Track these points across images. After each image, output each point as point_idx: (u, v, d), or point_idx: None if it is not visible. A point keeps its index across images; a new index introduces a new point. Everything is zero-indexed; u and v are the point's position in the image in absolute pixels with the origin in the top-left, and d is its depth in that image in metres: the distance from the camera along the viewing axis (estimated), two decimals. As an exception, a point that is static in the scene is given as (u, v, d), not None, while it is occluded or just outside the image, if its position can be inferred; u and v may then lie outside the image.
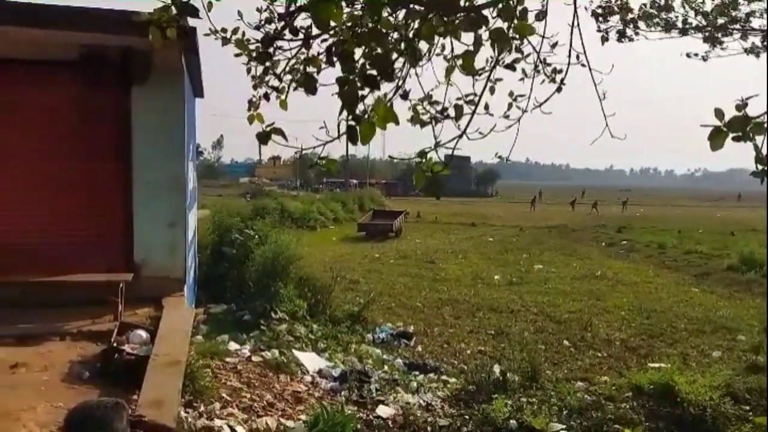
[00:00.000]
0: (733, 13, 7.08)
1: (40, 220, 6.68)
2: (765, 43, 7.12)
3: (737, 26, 7.18)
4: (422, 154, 2.33)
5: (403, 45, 2.47)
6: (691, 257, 20.64)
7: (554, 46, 3.31)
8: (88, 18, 5.96)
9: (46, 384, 4.68)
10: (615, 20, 6.96)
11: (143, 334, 5.41)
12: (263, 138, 2.44)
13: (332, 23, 2.07)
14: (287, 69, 2.92)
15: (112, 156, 6.82)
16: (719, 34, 7.19)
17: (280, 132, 2.42)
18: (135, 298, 6.34)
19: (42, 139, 6.65)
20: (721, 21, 7.03)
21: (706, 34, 7.27)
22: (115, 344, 5.10)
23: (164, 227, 6.94)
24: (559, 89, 3.40)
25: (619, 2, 6.52)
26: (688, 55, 7.86)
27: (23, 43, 6.34)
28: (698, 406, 6.28)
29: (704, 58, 7.61)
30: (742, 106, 1.88)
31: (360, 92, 2.27)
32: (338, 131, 2.30)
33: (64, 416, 1.95)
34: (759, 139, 1.87)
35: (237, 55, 2.87)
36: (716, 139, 1.83)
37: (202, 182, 14.49)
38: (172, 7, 2.34)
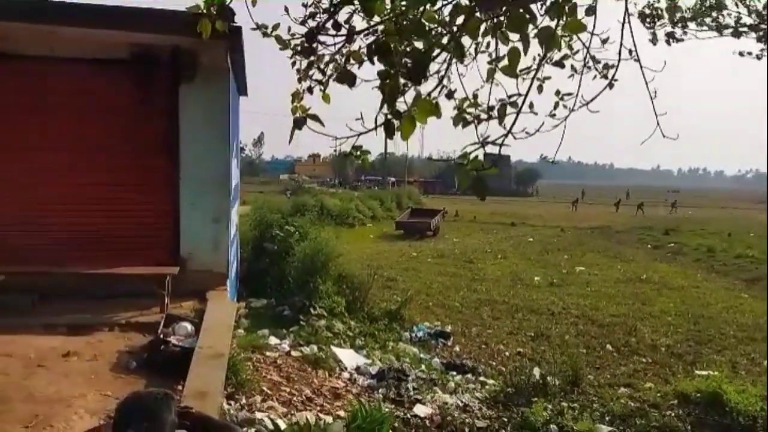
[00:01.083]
0: None
1: (93, 213, 6.94)
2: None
3: None
4: (465, 154, 2.29)
5: (446, 40, 2.44)
6: (741, 261, 19.83)
7: (605, 42, 3.21)
8: (139, 17, 6.16)
9: (95, 372, 4.87)
10: (666, 22, 6.74)
11: (188, 326, 5.56)
12: (300, 123, 2.46)
13: (376, 15, 2.06)
14: (330, 63, 2.94)
15: (161, 152, 7.02)
16: None
17: (316, 118, 2.43)
18: (180, 291, 6.52)
19: (95, 135, 6.90)
20: None
21: (761, 33, 6.96)
22: (161, 336, 5.26)
23: (209, 223, 7.11)
24: (610, 86, 3.30)
25: (667, 4, 6.32)
26: (741, 54, 7.57)
27: (78, 42, 6.60)
28: (748, 416, 6.04)
29: (758, 57, 7.31)
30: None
31: (401, 87, 2.25)
32: (375, 123, 2.29)
33: (116, 405, 2.00)
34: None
35: (281, 49, 2.90)
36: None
37: (243, 179, 14.77)
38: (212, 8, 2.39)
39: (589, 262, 20.19)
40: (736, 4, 6.77)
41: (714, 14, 6.86)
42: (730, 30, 6.89)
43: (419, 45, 2.32)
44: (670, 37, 6.77)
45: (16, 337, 5.38)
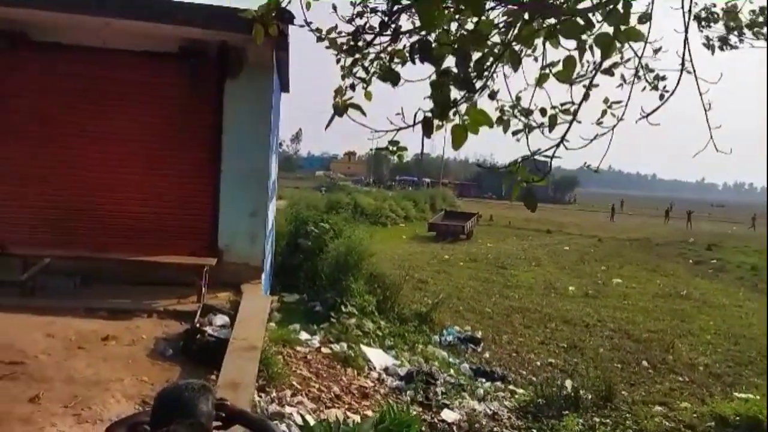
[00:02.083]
0: None
1: (136, 201, 7.13)
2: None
3: None
4: (515, 164, 2.25)
5: (498, 49, 2.39)
6: (787, 281, 19.00)
7: (657, 51, 3.11)
8: (190, 12, 6.30)
9: (132, 357, 4.99)
10: (719, 27, 6.49)
11: (223, 317, 5.65)
12: (340, 110, 2.45)
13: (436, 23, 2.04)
14: (374, 61, 2.93)
15: (204, 145, 7.15)
16: None
17: (357, 107, 2.42)
18: (217, 282, 6.63)
19: (142, 126, 7.08)
20: None
21: None
22: (197, 325, 5.35)
23: (246, 216, 7.21)
24: (661, 96, 3.19)
25: (725, 6, 6.08)
26: None
27: (129, 34, 6.78)
28: (792, 446, 5.77)
29: None
30: None
31: (453, 95, 2.22)
32: (414, 120, 2.26)
33: (155, 395, 2.03)
34: None
35: (328, 48, 2.91)
36: None
37: (280, 174, 15.01)
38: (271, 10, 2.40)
39: (626, 275, 19.69)
40: None
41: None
42: None
43: (473, 53, 2.28)
44: (724, 42, 6.52)
45: (58, 319, 5.56)
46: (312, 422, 4.09)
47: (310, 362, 6.46)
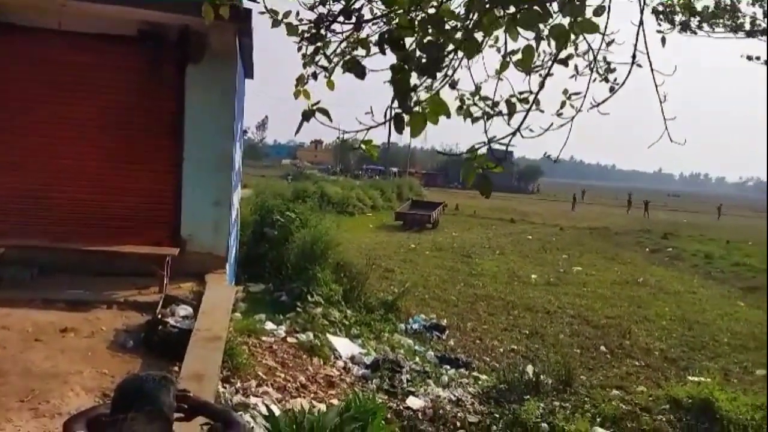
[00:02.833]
0: None
1: (95, 190, 6.93)
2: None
3: None
4: (472, 151, 2.28)
5: (460, 35, 2.42)
6: (739, 269, 19.84)
7: (610, 44, 3.19)
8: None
9: (92, 349, 4.88)
10: (677, 19, 6.67)
11: (186, 308, 5.57)
12: (308, 115, 2.44)
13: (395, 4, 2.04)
14: (337, 50, 2.92)
15: (165, 132, 6.99)
16: None
17: (325, 112, 2.41)
18: (179, 272, 6.52)
19: (99, 111, 6.86)
20: None
21: None
22: (159, 316, 5.26)
23: (210, 205, 7.10)
24: (611, 89, 3.28)
25: (682, 1, 6.25)
26: (749, 58, 7.47)
27: (86, 16, 6.53)
28: (738, 425, 6.07)
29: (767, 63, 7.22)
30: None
31: (413, 82, 2.23)
32: (384, 117, 2.27)
33: (115, 387, 2.00)
34: None
35: (289, 34, 2.88)
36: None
37: (245, 162, 14.82)
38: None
39: (586, 263, 20.22)
40: (753, 4, 6.68)
41: (728, 15, 6.79)
42: (744, 31, 6.81)
43: (432, 38, 2.29)
44: (685, 27, 6.68)
45: (14, 311, 5.38)
46: (277, 412, 4.08)
47: (276, 352, 6.45)
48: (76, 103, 6.80)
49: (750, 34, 6.92)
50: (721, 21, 6.95)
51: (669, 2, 6.37)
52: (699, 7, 6.38)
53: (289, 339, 7.21)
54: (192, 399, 2.21)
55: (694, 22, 6.77)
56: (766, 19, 6.92)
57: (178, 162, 6.98)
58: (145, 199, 7.00)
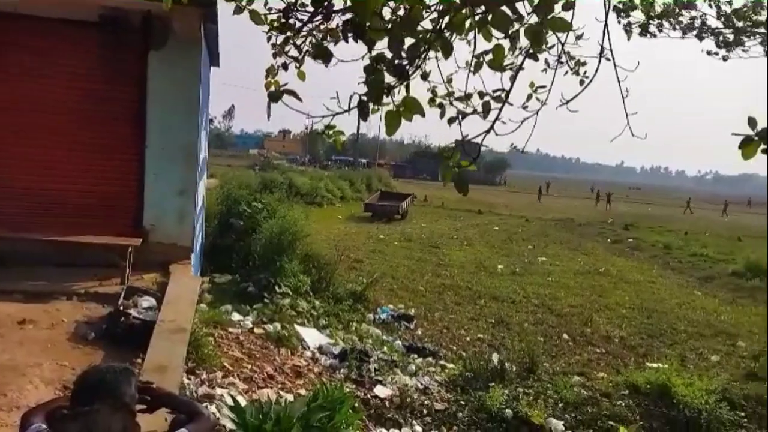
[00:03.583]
0: (755, 17, 6.92)
1: (53, 179, 6.72)
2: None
3: (761, 30, 7.03)
4: (448, 149, 2.30)
5: (431, 35, 2.43)
6: (696, 260, 20.54)
7: (579, 38, 3.25)
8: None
9: (52, 341, 4.75)
10: (639, 16, 6.83)
11: (150, 299, 5.47)
12: (275, 96, 2.42)
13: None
14: (307, 41, 2.90)
15: (127, 119, 6.81)
16: (741, 37, 7.04)
17: (293, 93, 2.40)
18: (142, 263, 6.39)
19: (59, 97, 6.64)
20: (740, 24, 6.88)
21: (721, 37, 7.13)
22: (121, 307, 5.16)
23: (174, 194, 6.97)
24: (581, 82, 3.35)
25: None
26: (708, 53, 7.68)
27: (44, 1, 6.30)
28: (693, 409, 6.31)
29: (724, 59, 7.46)
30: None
31: (387, 80, 2.24)
32: (349, 104, 2.27)
33: (75, 379, 1.96)
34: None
35: (254, 22, 2.84)
36: (748, 148, 1.80)
37: (211, 151, 14.69)
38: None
39: (551, 253, 20.63)
40: (710, 4, 6.87)
41: (683, 14, 6.96)
42: (694, 32, 7.01)
43: (404, 39, 2.30)
44: (644, 29, 6.86)
45: (-33, 303, 5.20)
46: (243, 402, 4.06)
47: (243, 343, 6.40)
48: (34, 89, 6.57)
49: (700, 34, 7.12)
50: (678, 20, 7.13)
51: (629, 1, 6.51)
52: (658, 7, 6.53)
53: (256, 330, 7.16)
54: (155, 390, 2.19)
55: (653, 25, 6.94)
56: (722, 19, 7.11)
57: (141, 150, 6.82)
58: (106, 188, 6.82)
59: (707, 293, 15.69)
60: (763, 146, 1.78)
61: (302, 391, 5.46)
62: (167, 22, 6.55)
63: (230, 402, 3.98)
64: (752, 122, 1.80)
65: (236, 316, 7.62)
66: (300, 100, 2.44)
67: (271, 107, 2.49)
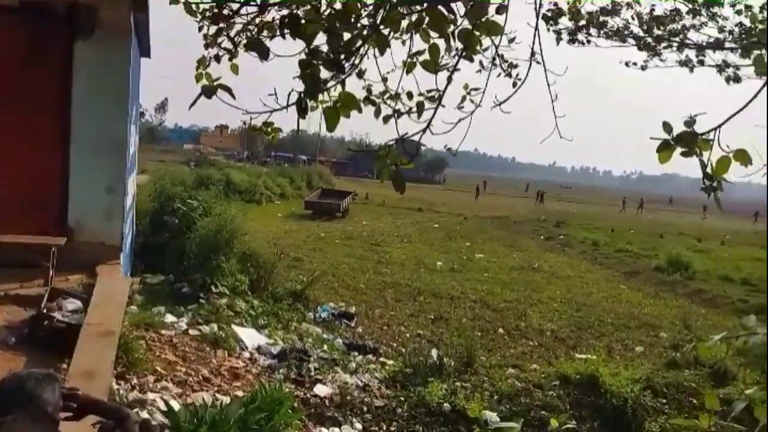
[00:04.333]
0: (671, 26, 7.33)
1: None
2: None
3: (677, 39, 7.44)
4: (386, 147, 2.31)
5: (366, 32, 2.43)
6: (621, 255, 21.64)
7: (511, 41, 3.35)
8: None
9: (-34, 348, 4.43)
10: (568, 23, 7.09)
11: (75, 301, 5.20)
12: (209, 92, 2.35)
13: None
14: (241, 32, 2.84)
15: (51, 112, 6.43)
16: (659, 46, 7.44)
17: (227, 89, 2.34)
18: (67, 263, 6.05)
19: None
20: (658, 32, 7.27)
21: (642, 43, 7.50)
22: (44, 310, 4.88)
23: (102, 191, 6.64)
24: (514, 84, 3.46)
25: (568, 6, 6.67)
26: (626, 64, 8.10)
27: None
28: (620, 398, 6.67)
29: (643, 68, 7.87)
30: (690, 122, 1.96)
31: (323, 76, 2.22)
32: (287, 101, 2.25)
33: (-6, 387, 1.84)
34: (705, 154, 1.96)
35: (188, 13, 2.76)
36: (664, 152, 1.90)
37: (142, 146, 14.10)
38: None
39: (488, 250, 21.18)
40: (633, 17, 7.22)
41: (609, 19, 7.28)
42: (618, 38, 7.36)
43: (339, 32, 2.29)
44: (573, 37, 7.14)
45: None
46: (177, 407, 3.93)
47: (177, 345, 6.20)
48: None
49: (622, 40, 7.48)
50: (604, 28, 7.46)
51: (557, 7, 6.76)
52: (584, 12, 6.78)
53: (191, 331, 6.96)
54: (81, 397, 2.08)
55: (582, 33, 7.23)
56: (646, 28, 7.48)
57: (66, 144, 6.46)
58: (27, 184, 6.41)
59: (632, 287, 16.57)
60: (679, 149, 1.89)
61: (240, 393, 5.35)
62: (94, 11, 6.23)
63: (163, 407, 3.85)
64: (667, 127, 1.90)
65: (170, 318, 7.37)
66: (233, 97, 2.39)
67: (197, 101, 2.42)
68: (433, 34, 2.33)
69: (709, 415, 1.97)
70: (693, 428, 2.08)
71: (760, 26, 5.48)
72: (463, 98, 3.09)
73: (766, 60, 2.99)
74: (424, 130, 2.34)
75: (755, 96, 2.06)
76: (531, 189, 59.67)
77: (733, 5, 5.65)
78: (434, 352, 7.99)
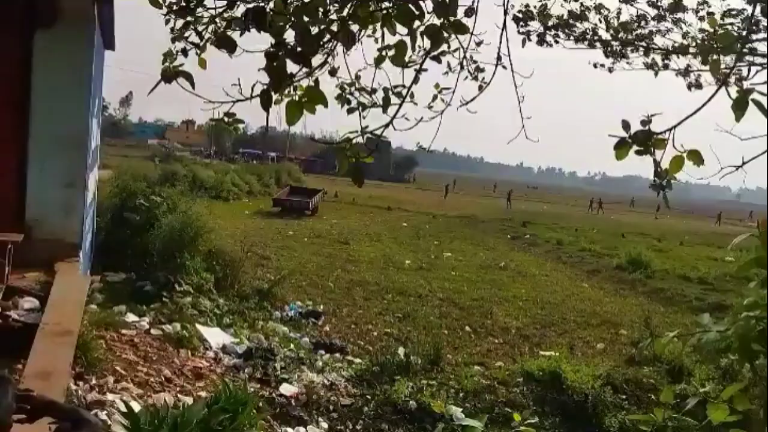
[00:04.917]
0: (638, 31, 7.51)
1: None
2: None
3: (643, 43, 7.64)
4: (347, 139, 2.31)
5: (335, 26, 2.42)
6: (584, 254, 22.11)
7: (479, 44, 3.40)
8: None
9: None
10: (537, 25, 7.21)
11: (32, 300, 5.03)
12: (168, 77, 2.31)
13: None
14: (209, 26, 2.79)
15: (7, 104, 6.19)
16: (626, 49, 7.62)
17: (187, 75, 2.29)
18: (24, 260, 5.83)
19: None
20: (624, 37, 7.45)
21: (609, 48, 7.67)
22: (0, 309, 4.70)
23: (61, 187, 6.43)
24: (480, 87, 3.50)
25: (537, 9, 6.78)
26: (594, 66, 8.27)
27: None
28: (581, 394, 6.82)
29: (610, 70, 8.06)
30: (646, 121, 2.02)
31: (290, 70, 2.20)
32: (251, 93, 2.22)
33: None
34: (659, 153, 2.01)
35: (155, 6, 2.70)
36: (621, 149, 1.95)
37: (105, 141, 13.76)
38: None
39: (455, 249, 21.37)
40: (599, 20, 7.38)
41: (577, 25, 7.43)
42: (586, 41, 7.51)
43: (307, 26, 2.27)
44: (542, 39, 7.26)
45: None
46: (137, 408, 3.85)
47: (138, 345, 6.06)
48: None
49: (591, 44, 7.64)
50: (572, 30, 7.60)
51: (527, 9, 6.87)
52: (554, 13, 6.89)
53: (153, 331, 6.82)
54: (36, 398, 2.01)
55: (549, 35, 7.35)
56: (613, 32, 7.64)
57: (23, 138, 6.23)
58: (-20, 178, 6.18)
59: (594, 285, 16.96)
60: (635, 148, 1.94)
61: (203, 394, 5.27)
62: (55, 0, 6.03)
63: (123, 408, 3.76)
64: (625, 125, 1.95)
65: (131, 317, 7.20)
66: (193, 86, 2.34)
67: (157, 87, 2.36)
68: (401, 29, 2.34)
69: (663, 408, 2.04)
70: (649, 422, 2.15)
71: (720, 30, 5.66)
72: (434, 97, 3.12)
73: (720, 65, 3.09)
74: (386, 125, 2.35)
75: (710, 99, 2.13)
76: (499, 188, 60.41)
77: (696, 11, 5.82)
78: (401, 350, 8.03)
